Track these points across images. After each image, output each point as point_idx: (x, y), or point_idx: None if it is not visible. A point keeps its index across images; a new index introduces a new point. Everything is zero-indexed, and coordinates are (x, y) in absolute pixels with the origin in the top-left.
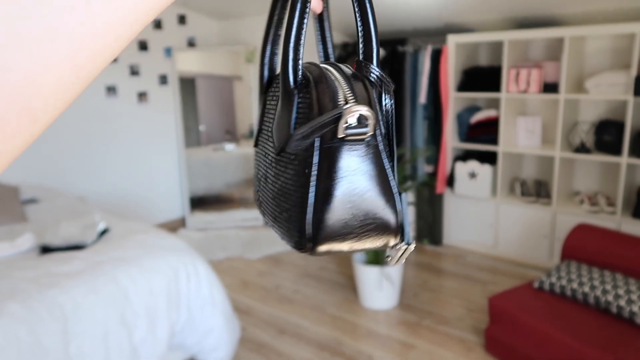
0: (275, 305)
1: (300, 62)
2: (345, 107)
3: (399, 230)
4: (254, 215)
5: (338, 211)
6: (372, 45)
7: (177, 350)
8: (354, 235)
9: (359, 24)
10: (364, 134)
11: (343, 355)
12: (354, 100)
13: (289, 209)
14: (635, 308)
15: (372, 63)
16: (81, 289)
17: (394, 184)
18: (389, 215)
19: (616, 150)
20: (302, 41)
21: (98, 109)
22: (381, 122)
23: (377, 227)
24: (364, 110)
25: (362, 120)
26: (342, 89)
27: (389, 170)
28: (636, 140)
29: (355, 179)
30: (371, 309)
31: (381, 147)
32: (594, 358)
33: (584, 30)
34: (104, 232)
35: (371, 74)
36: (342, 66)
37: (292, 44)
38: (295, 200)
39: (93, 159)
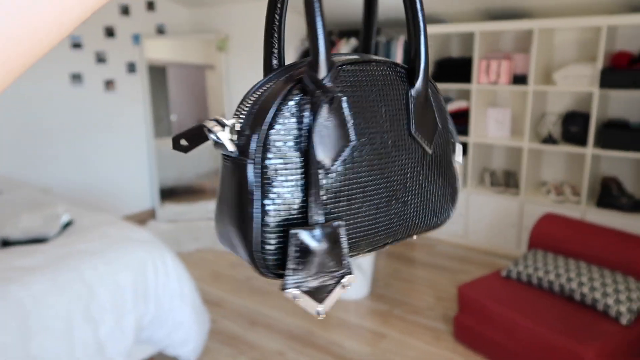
0: (246, 297)
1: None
2: (208, 120)
3: (257, 265)
4: None
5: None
6: (420, 60)
7: (145, 344)
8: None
9: (412, 34)
10: (224, 148)
11: (314, 346)
12: (236, 113)
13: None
14: (597, 295)
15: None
16: (43, 284)
17: (256, 211)
18: (242, 246)
19: (582, 141)
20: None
21: (62, 97)
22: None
23: (238, 253)
24: (210, 124)
25: (235, 136)
26: (245, 100)
27: (253, 194)
28: (601, 132)
29: (223, 197)
30: (343, 299)
31: (250, 167)
32: (559, 343)
33: (552, 23)
34: (67, 225)
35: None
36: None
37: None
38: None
39: (57, 149)
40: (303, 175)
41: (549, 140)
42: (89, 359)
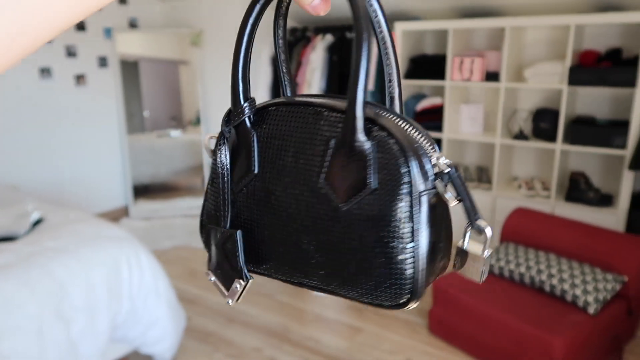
0: None
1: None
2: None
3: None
4: (199, 203)
5: None
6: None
7: (119, 343)
8: None
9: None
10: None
11: (291, 341)
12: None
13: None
14: (566, 286)
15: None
16: (12, 283)
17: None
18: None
19: (551, 137)
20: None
21: (31, 92)
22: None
23: None
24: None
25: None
26: None
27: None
28: (569, 128)
29: None
30: (319, 294)
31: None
32: (530, 333)
33: (523, 21)
34: (37, 222)
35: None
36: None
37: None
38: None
39: (27, 145)
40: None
41: (520, 136)
42: (61, 359)
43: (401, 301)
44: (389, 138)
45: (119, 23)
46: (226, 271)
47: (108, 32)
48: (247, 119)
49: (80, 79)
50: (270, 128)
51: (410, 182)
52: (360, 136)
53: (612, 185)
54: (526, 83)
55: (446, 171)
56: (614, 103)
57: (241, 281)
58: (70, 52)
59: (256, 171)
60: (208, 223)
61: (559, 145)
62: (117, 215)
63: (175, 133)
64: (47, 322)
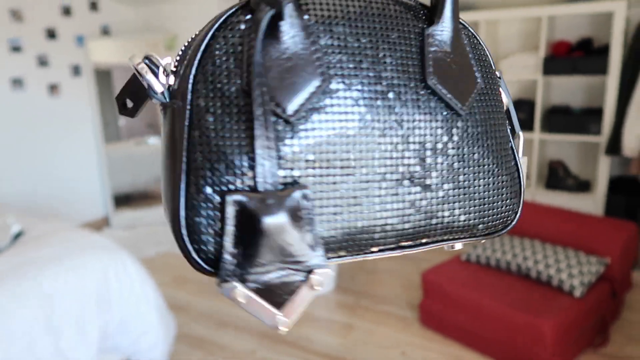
0: (213, 299)
1: None
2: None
3: (184, 252)
4: None
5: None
6: None
7: (111, 352)
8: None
9: None
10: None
11: (284, 342)
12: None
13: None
14: (552, 271)
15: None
16: (0, 296)
17: (184, 170)
18: (169, 223)
19: (529, 127)
20: None
21: (3, 104)
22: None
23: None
24: (140, 65)
25: (172, 77)
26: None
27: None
28: (546, 117)
29: (162, 158)
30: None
31: (179, 113)
32: (519, 319)
33: (496, 14)
34: (18, 235)
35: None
36: None
37: None
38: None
39: (1, 158)
40: (250, 124)
41: None
42: None
43: (516, 218)
44: (471, 30)
45: (91, 30)
46: (281, 268)
47: (80, 40)
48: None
49: (53, 89)
50: (330, 13)
51: (500, 77)
52: (465, 31)
53: (590, 171)
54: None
55: (499, 75)
56: (587, 91)
57: (327, 271)
58: (42, 62)
59: (332, 78)
60: (225, 195)
61: (536, 135)
62: (97, 226)
63: (152, 140)
64: (37, 334)
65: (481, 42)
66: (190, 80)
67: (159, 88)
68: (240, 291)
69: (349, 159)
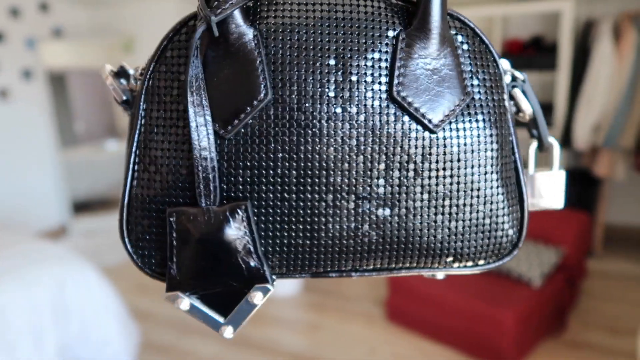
0: None
1: None
2: None
3: (132, 258)
4: None
5: None
6: None
7: None
8: None
9: None
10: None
11: (251, 345)
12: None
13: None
14: (512, 264)
15: None
16: None
17: (128, 180)
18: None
19: None
20: None
21: None
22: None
23: None
24: (105, 74)
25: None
26: None
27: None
28: None
29: None
30: (276, 296)
31: (133, 121)
32: (482, 311)
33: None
34: None
35: None
36: None
37: None
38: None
39: None
40: (189, 139)
41: None
42: None
43: (518, 247)
44: (473, 29)
45: (42, 33)
46: (222, 280)
47: (31, 43)
48: (238, 11)
49: (4, 94)
50: (285, 21)
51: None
52: (459, 32)
53: (544, 165)
54: None
55: (522, 78)
56: (540, 87)
57: (267, 286)
58: None
59: (269, 95)
60: (165, 205)
61: None
62: (54, 235)
63: (111, 144)
64: None
65: (488, 44)
66: (143, 92)
67: (119, 97)
68: (184, 300)
69: (294, 175)
